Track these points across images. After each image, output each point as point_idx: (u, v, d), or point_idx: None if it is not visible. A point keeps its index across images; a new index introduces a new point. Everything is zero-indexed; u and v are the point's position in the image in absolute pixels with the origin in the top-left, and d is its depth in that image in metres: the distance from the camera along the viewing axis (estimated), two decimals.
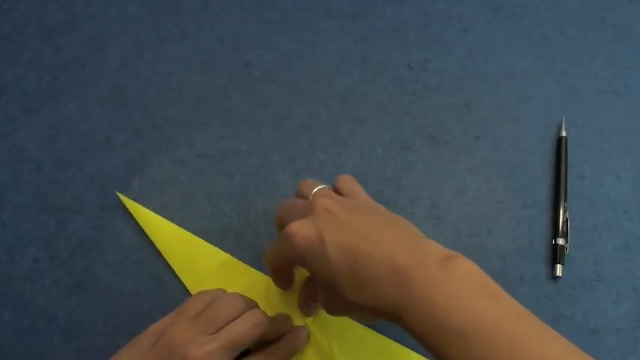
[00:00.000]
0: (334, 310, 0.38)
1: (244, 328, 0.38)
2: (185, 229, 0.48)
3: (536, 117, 0.53)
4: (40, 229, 0.48)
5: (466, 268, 0.33)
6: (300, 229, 0.36)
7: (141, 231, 0.48)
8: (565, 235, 0.47)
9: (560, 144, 0.51)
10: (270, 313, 0.41)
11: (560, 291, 0.46)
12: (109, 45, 0.55)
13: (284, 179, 0.50)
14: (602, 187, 0.50)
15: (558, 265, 0.47)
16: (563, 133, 0.51)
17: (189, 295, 0.45)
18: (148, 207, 0.49)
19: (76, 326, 0.45)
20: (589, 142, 0.52)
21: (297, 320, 0.44)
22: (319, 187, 0.40)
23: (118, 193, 0.49)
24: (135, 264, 0.47)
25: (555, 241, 0.47)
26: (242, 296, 0.40)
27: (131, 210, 0.48)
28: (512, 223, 0.49)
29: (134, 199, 0.49)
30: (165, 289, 0.46)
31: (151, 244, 0.48)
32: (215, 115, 0.53)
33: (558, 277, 0.46)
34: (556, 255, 0.47)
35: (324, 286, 0.37)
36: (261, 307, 0.41)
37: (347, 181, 0.41)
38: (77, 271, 0.47)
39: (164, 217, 0.49)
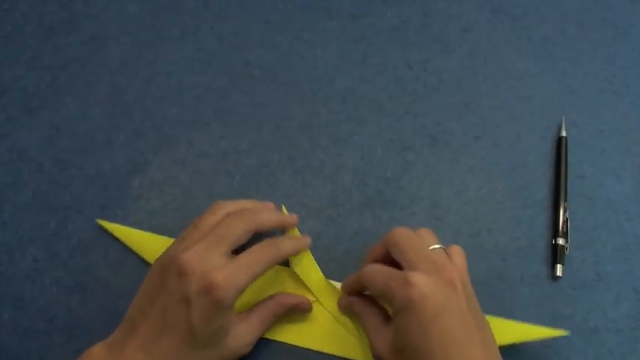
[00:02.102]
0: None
1: (227, 224, 0.40)
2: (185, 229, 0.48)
3: (536, 117, 0.53)
4: (40, 229, 0.48)
5: None
6: (425, 287, 0.37)
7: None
8: (565, 235, 0.47)
9: (560, 144, 0.51)
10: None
11: (560, 291, 0.46)
12: (109, 45, 0.55)
13: (284, 179, 0.50)
14: (602, 187, 0.50)
15: (558, 265, 0.47)
16: (563, 133, 0.51)
17: None
18: (147, 207, 0.49)
19: (76, 326, 0.45)
20: (589, 142, 0.52)
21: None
22: (438, 246, 0.41)
23: (98, 221, 0.48)
24: (135, 264, 0.47)
25: (555, 241, 0.47)
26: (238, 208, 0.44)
27: (116, 233, 0.47)
28: (512, 223, 0.49)
29: (134, 199, 0.49)
30: None
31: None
32: (215, 115, 0.53)
33: (558, 277, 0.46)
34: (556, 255, 0.47)
35: (398, 341, 0.38)
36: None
37: (460, 255, 0.42)
38: (77, 271, 0.47)
39: (164, 216, 0.49)
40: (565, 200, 0.49)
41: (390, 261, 0.41)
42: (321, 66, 0.55)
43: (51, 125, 0.52)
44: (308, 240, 0.45)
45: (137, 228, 0.48)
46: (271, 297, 0.43)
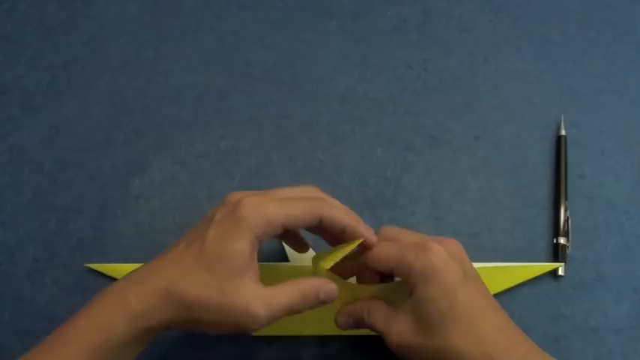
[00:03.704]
0: (397, 339, 0.37)
1: (294, 196, 0.37)
2: (186, 229, 0.48)
3: (536, 117, 0.53)
4: (40, 229, 0.48)
5: None
6: (444, 254, 0.36)
7: (141, 231, 0.48)
8: (566, 234, 0.47)
9: (559, 143, 0.51)
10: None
11: (560, 291, 0.46)
12: (109, 45, 0.55)
13: (284, 179, 0.50)
14: (602, 187, 0.50)
15: (561, 264, 0.47)
16: (563, 132, 0.51)
17: None
18: (147, 207, 0.49)
19: None
20: (589, 142, 0.52)
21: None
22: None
23: (87, 265, 0.47)
24: (135, 264, 0.47)
25: (557, 240, 0.47)
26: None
27: (108, 272, 0.46)
28: (512, 223, 0.49)
29: (134, 199, 0.49)
30: None
31: (151, 244, 0.48)
32: (215, 115, 0.53)
33: (560, 276, 0.46)
34: (557, 254, 0.47)
35: (421, 314, 0.36)
36: None
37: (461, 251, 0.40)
38: (77, 271, 0.47)
39: (164, 216, 0.49)
40: (565, 199, 0.49)
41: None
42: (321, 66, 0.55)
43: (51, 125, 0.52)
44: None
45: (137, 228, 0.48)
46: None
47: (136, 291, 0.34)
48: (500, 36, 0.56)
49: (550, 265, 0.47)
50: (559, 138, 0.51)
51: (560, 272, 0.46)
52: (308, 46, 0.55)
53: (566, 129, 0.51)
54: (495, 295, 0.44)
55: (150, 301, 0.34)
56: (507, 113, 0.53)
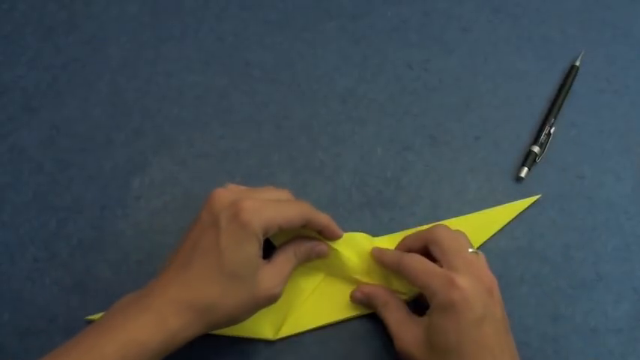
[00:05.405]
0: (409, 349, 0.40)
1: (293, 211, 0.40)
2: (186, 229, 0.48)
3: (536, 117, 0.53)
4: (40, 229, 0.48)
5: None
6: (468, 292, 0.38)
7: (141, 231, 0.48)
8: (542, 146, 0.50)
9: (570, 71, 0.53)
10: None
11: (560, 291, 0.47)
12: (109, 45, 0.55)
13: (284, 179, 0.50)
14: (602, 187, 0.50)
15: (524, 168, 0.49)
16: (577, 63, 0.53)
17: None
18: (147, 207, 0.49)
19: (76, 326, 0.45)
20: (589, 142, 0.52)
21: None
22: (473, 249, 0.42)
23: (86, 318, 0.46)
24: (135, 264, 0.47)
25: (530, 148, 0.50)
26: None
27: None
28: (512, 222, 0.49)
29: (134, 199, 0.49)
30: None
31: (151, 244, 0.48)
32: (215, 115, 0.53)
33: (521, 178, 0.49)
34: (527, 159, 0.50)
35: (430, 339, 0.39)
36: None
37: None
38: (77, 271, 0.47)
39: (164, 216, 0.49)
40: (555, 117, 0.51)
41: (423, 253, 0.42)
42: (321, 66, 0.55)
43: (51, 125, 0.52)
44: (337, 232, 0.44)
45: (137, 228, 0.48)
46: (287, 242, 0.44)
47: (173, 310, 0.37)
48: (500, 36, 0.56)
49: (528, 200, 0.48)
50: (572, 67, 0.53)
51: (522, 174, 0.49)
52: (308, 46, 0.55)
53: (581, 63, 0.53)
54: (482, 244, 0.47)
55: (188, 319, 0.37)
56: (507, 113, 0.53)
